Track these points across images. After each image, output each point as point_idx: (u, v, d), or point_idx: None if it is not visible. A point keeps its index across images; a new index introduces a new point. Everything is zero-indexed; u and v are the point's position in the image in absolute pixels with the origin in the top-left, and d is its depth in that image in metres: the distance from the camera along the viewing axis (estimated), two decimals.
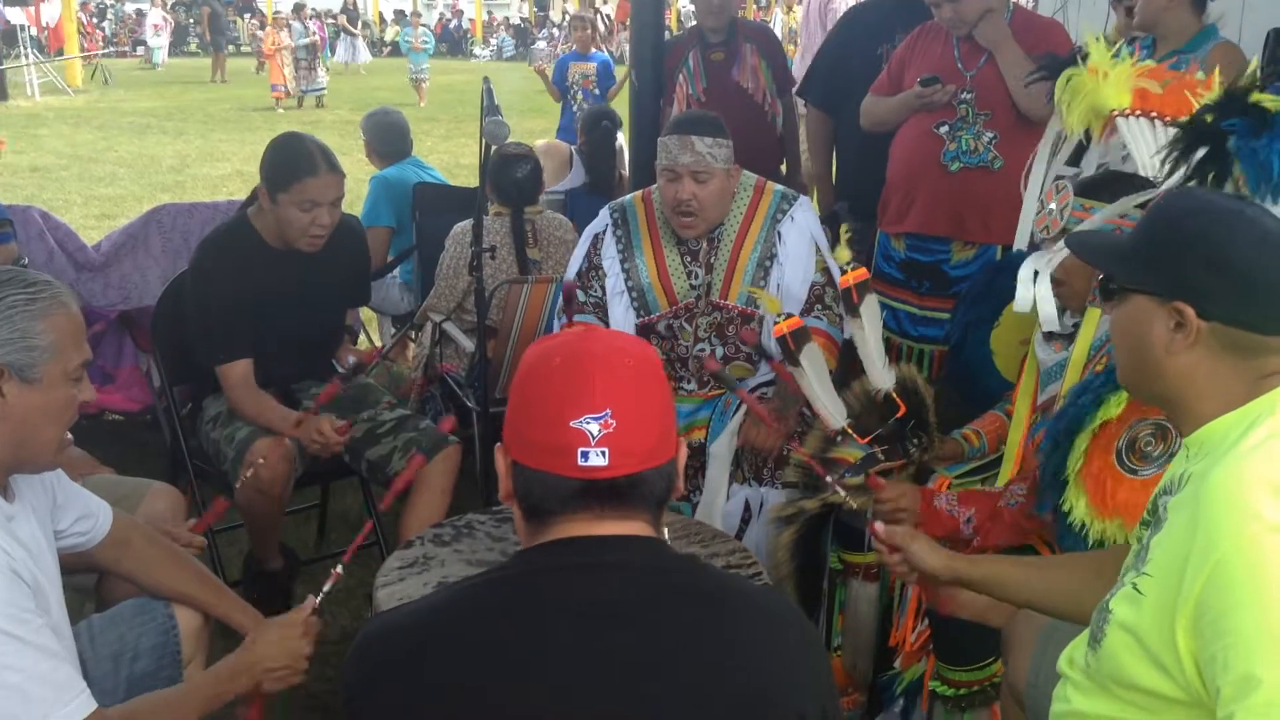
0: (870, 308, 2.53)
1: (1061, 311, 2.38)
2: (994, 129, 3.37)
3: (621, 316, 3.03)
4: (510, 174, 3.83)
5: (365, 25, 30.13)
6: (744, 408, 2.84)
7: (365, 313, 4.98)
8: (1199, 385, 1.37)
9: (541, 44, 17.16)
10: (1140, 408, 1.89)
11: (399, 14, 21.19)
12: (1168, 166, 2.00)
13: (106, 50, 25.55)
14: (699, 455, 2.84)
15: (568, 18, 29.04)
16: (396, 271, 4.77)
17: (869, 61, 3.98)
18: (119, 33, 30.26)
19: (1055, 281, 2.28)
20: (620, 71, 8.27)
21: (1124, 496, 1.89)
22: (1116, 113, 2.27)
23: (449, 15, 35.18)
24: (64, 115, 15.53)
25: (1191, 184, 1.94)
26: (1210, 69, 2.22)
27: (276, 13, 18.71)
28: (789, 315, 2.62)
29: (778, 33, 17.46)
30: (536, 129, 8.37)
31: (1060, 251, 2.18)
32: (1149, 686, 1.31)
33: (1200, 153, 1.94)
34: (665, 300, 3.01)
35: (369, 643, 1.28)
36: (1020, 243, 2.58)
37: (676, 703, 1.19)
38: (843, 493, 2.21)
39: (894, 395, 2.52)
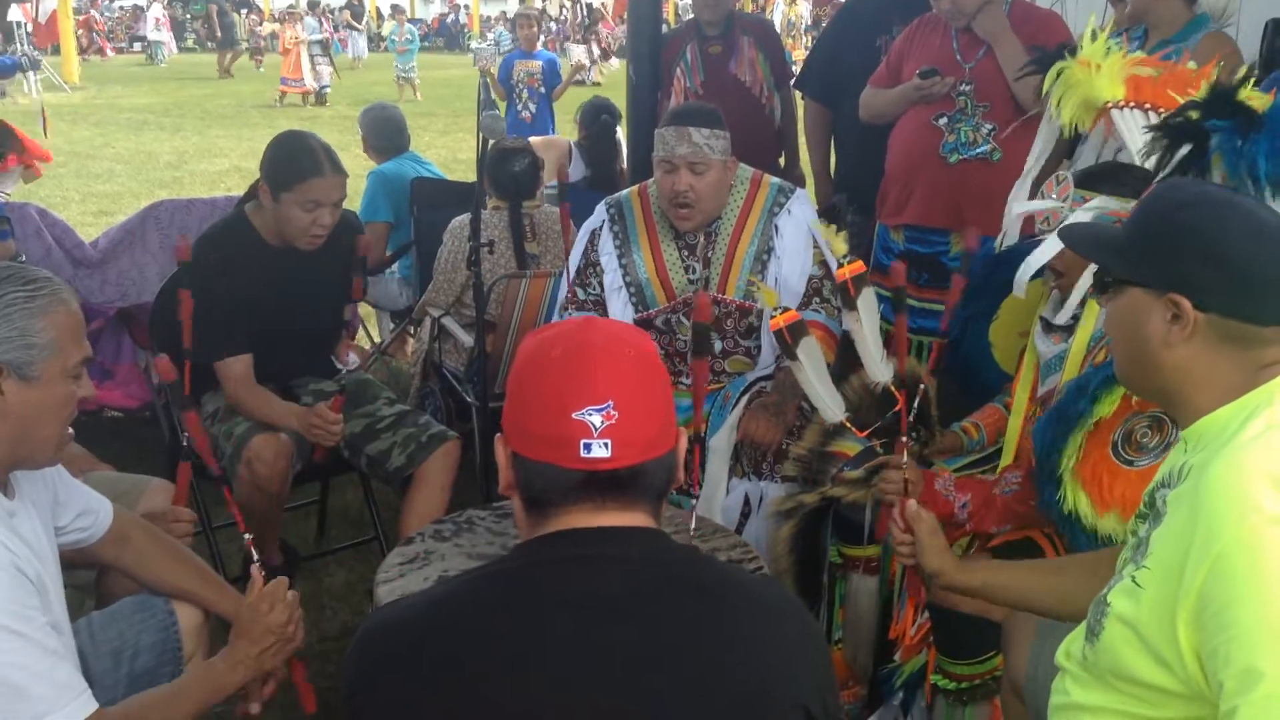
0: (867, 301, 2.52)
1: (1060, 303, 2.38)
2: (993, 121, 3.37)
3: (620, 312, 3.02)
4: (508, 168, 3.83)
5: (365, 21, 30.12)
6: (743, 402, 2.84)
7: (364, 308, 4.98)
8: (1197, 378, 1.37)
9: (484, 44, 17.04)
10: (1136, 402, 1.89)
11: (395, 8, 21.13)
12: (1151, 161, 2.00)
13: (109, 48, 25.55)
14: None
15: (564, 11, 29.00)
16: (395, 266, 4.77)
17: (866, 54, 3.97)
18: (115, 29, 30.21)
19: (1055, 273, 2.28)
20: (565, 69, 8.23)
21: (1121, 489, 1.89)
22: (1110, 105, 2.27)
23: (446, 9, 35.13)
24: (61, 112, 15.49)
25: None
26: (1201, 59, 2.22)
27: (290, 8, 18.53)
28: (785, 309, 2.62)
29: (778, 26, 17.44)
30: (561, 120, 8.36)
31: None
32: (1148, 679, 1.31)
33: (1184, 150, 1.95)
34: (663, 295, 3.01)
35: (369, 637, 1.28)
36: (1011, 237, 2.59)
37: (677, 696, 1.19)
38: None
39: (892, 388, 2.52)
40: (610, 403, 1.22)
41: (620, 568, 1.25)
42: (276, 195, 2.85)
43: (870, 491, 2.46)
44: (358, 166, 6.32)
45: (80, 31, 24.83)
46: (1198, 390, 1.37)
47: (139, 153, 12.20)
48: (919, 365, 2.63)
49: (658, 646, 1.21)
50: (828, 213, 3.94)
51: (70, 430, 1.78)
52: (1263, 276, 1.32)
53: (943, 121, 3.43)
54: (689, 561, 1.32)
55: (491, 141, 3.42)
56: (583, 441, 1.22)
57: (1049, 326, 2.38)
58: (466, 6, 34.20)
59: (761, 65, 4.37)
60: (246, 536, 2.15)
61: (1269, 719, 1.15)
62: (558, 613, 1.21)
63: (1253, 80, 2.00)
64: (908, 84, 3.48)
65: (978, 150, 3.39)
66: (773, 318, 2.55)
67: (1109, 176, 2.20)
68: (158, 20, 25.02)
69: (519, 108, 7.37)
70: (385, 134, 4.93)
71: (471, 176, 3.84)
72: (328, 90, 17.58)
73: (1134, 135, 2.21)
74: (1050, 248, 2.22)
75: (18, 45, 17.68)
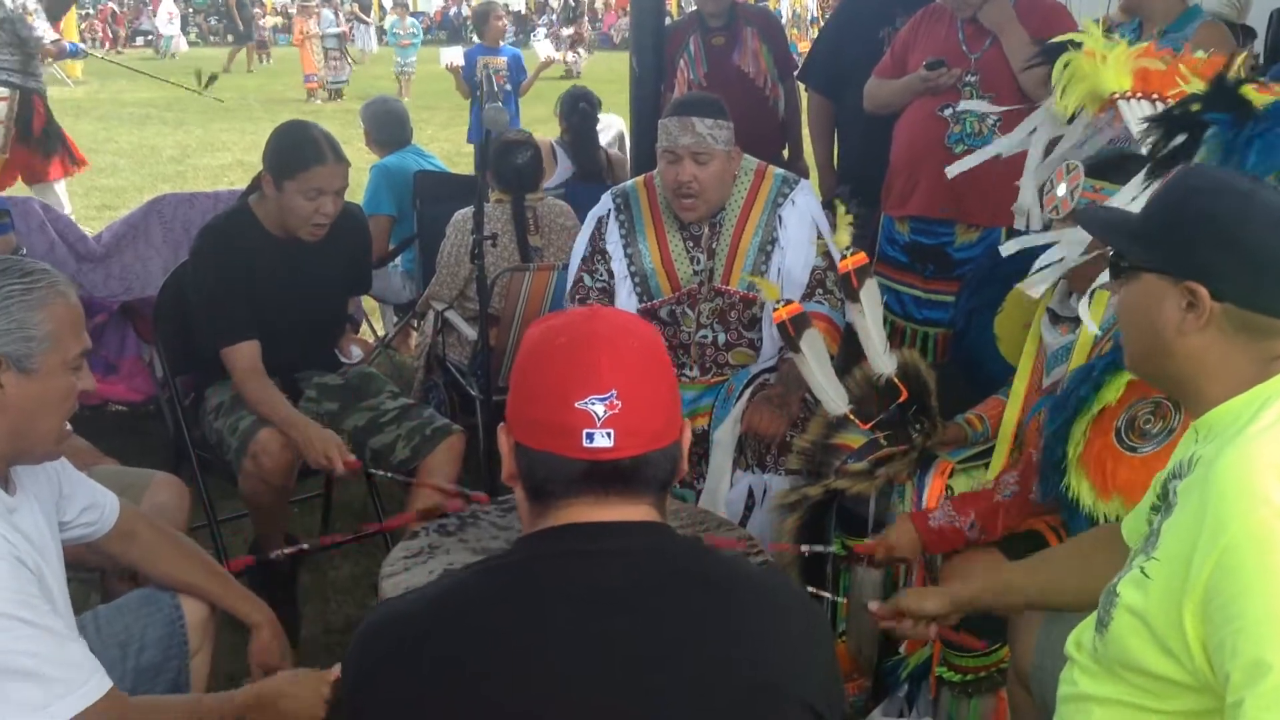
0: (870, 293, 2.52)
1: (1066, 295, 2.37)
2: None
3: (625, 302, 3.02)
4: (510, 160, 3.82)
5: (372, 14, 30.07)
6: (747, 394, 2.84)
7: (367, 302, 4.98)
8: (1209, 367, 1.36)
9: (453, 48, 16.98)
10: (1139, 388, 1.88)
11: (397, 3, 21.08)
12: (1146, 147, 2.00)
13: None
14: (702, 442, 2.84)
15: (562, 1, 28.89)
16: (398, 260, 4.76)
17: (869, 46, 3.97)
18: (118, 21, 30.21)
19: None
20: (531, 64, 7.91)
21: (1125, 476, 1.88)
22: (1117, 95, 2.26)
23: (448, 3, 35.05)
24: (64, 106, 15.46)
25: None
26: (1196, 49, 2.21)
27: (303, 1, 18.37)
28: (788, 301, 2.61)
29: (784, 18, 17.35)
30: (538, 115, 8.29)
31: (1078, 241, 2.16)
32: (1156, 671, 1.31)
33: (1178, 139, 1.94)
34: (668, 285, 3.01)
35: (372, 631, 1.27)
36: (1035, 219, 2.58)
37: (680, 691, 1.18)
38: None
39: (895, 380, 2.52)
40: (614, 392, 1.21)
41: (623, 561, 1.24)
42: (279, 184, 2.84)
43: (874, 483, 2.45)
44: (360, 160, 6.31)
45: (98, 24, 24.84)
46: (1209, 380, 1.36)
47: (142, 147, 12.20)
48: (919, 357, 2.63)
49: (661, 641, 1.20)
50: (830, 205, 3.94)
51: (68, 425, 1.77)
52: None
53: (948, 113, 3.42)
54: (693, 555, 1.31)
55: (494, 134, 3.41)
56: (585, 431, 1.21)
57: (1056, 318, 2.37)
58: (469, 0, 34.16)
59: (765, 57, 4.36)
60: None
61: (1276, 711, 1.15)
62: (560, 607, 1.21)
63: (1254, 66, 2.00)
64: (914, 75, 3.47)
65: (983, 141, 3.38)
66: (776, 310, 2.54)
67: (1119, 165, 2.19)
68: (170, 15, 25.00)
69: (484, 105, 7.07)
70: (387, 127, 4.93)
71: (474, 169, 3.83)
72: (345, 84, 17.44)
73: (1140, 126, 2.20)
74: (1061, 252, 2.21)
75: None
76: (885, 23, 4.06)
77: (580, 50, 21.11)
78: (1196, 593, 1.23)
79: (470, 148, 7.19)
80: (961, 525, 2.22)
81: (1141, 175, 2.03)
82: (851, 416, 2.49)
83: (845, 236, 2.49)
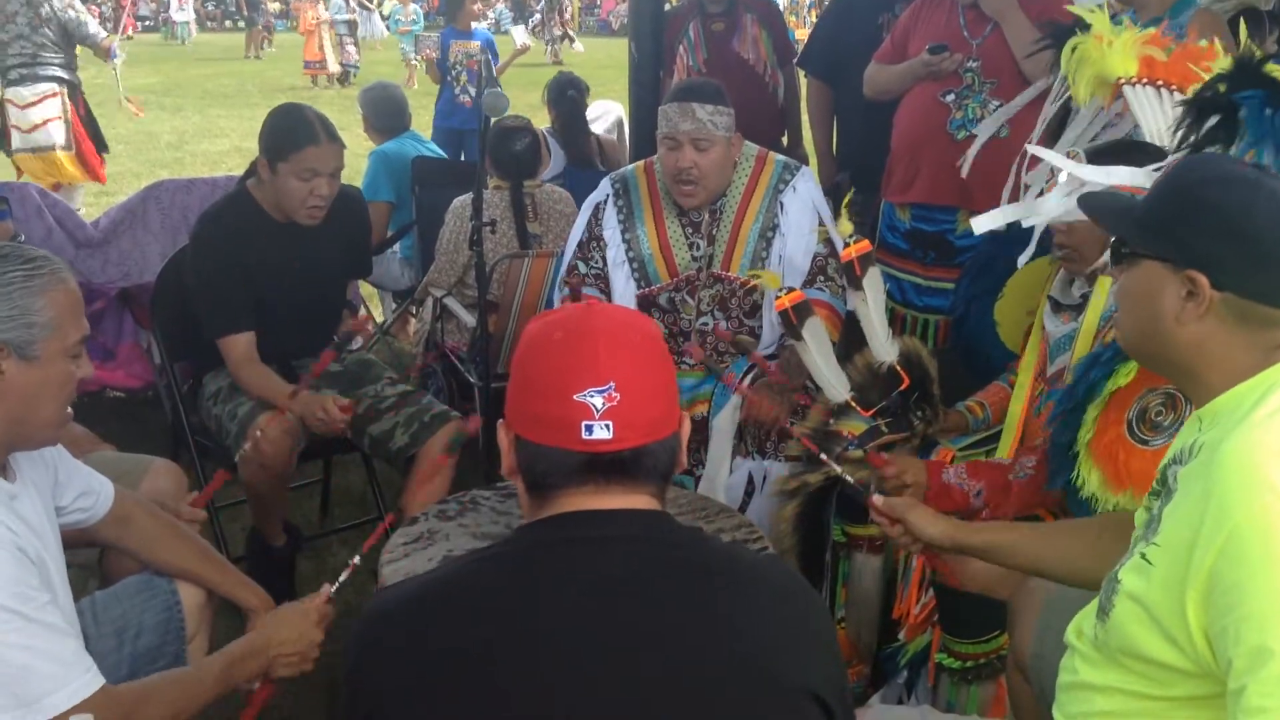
0: (873, 280, 2.51)
1: (1068, 283, 2.36)
2: (1000, 97, 3.34)
3: (622, 288, 3.01)
4: (509, 147, 3.81)
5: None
6: (747, 380, 2.83)
7: (366, 288, 4.97)
8: (1210, 356, 1.36)
9: (410, 22, 16.75)
10: (1150, 377, 1.87)
11: None
12: (1179, 134, 1.98)
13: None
14: (701, 429, 2.83)
15: None
16: (397, 247, 4.75)
17: (869, 32, 3.96)
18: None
19: (1062, 248, 2.27)
20: (505, 49, 7.48)
21: (1137, 467, 1.87)
22: (1124, 81, 2.25)
23: None
24: None
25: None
26: (1199, 37, 2.20)
27: None
28: (790, 289, 2.61)
29: (783, 4, 17.27)
30: (536, 101, 8.26)
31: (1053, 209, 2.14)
32: (1158, 658, 1.31)
33: (1211, 121, 1.92)
34: (666, 271, 3.00)
35: (372, 618, 1.27)
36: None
37: (681, 678, 1.18)
38: (839, 469, 2.19)
39: (897, 368, 2.51)
40: (612, 384, 1.22)
41: (623, 549, 1.24)
42: (273, 166, 2.84)
43: (873, 473, 2.45)
44: (358, 146, 6.30)
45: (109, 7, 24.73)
46: (1211, 368, 1.36)
47: (139, 133, 12.14)
48: (921, 345, 2.62)
49: (661, 628, 1.20)
50: (831, 191, 3.93)
51: (69, 411, 1.77)
52: None
53: (950, 98, 3.41)
54: (692, 543, 1.31)
55: (493, 120, 3.39)
56: (584, 423, 1.21)
57: (1058, 305, 2.36)
58: None
59: (764, 43, 4.34)
60: (350, 562, 1.99)
61: (1278, 697, 1.15)
62: (561, 594, 1.21)
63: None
64: (915, 60, 3.46)
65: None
66: (778, 298, 2.54)
67: (1122, 154, 2.18)
68: (180, 1, 24.94)
69: (456, 91, 6.68)
70: (386, 114, 4.91)
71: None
72: (355, 71, 17.33)
73: (1146, 112, 2.19)
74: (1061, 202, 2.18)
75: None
76: (884, 9, 4.05)
77: (561, 37, 21.06)
78: (1199, 579, 1.23)
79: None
80: (969, 490, 2.22)
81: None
82: (852, 403, 2.49)
83: (848, 224, 2.48)
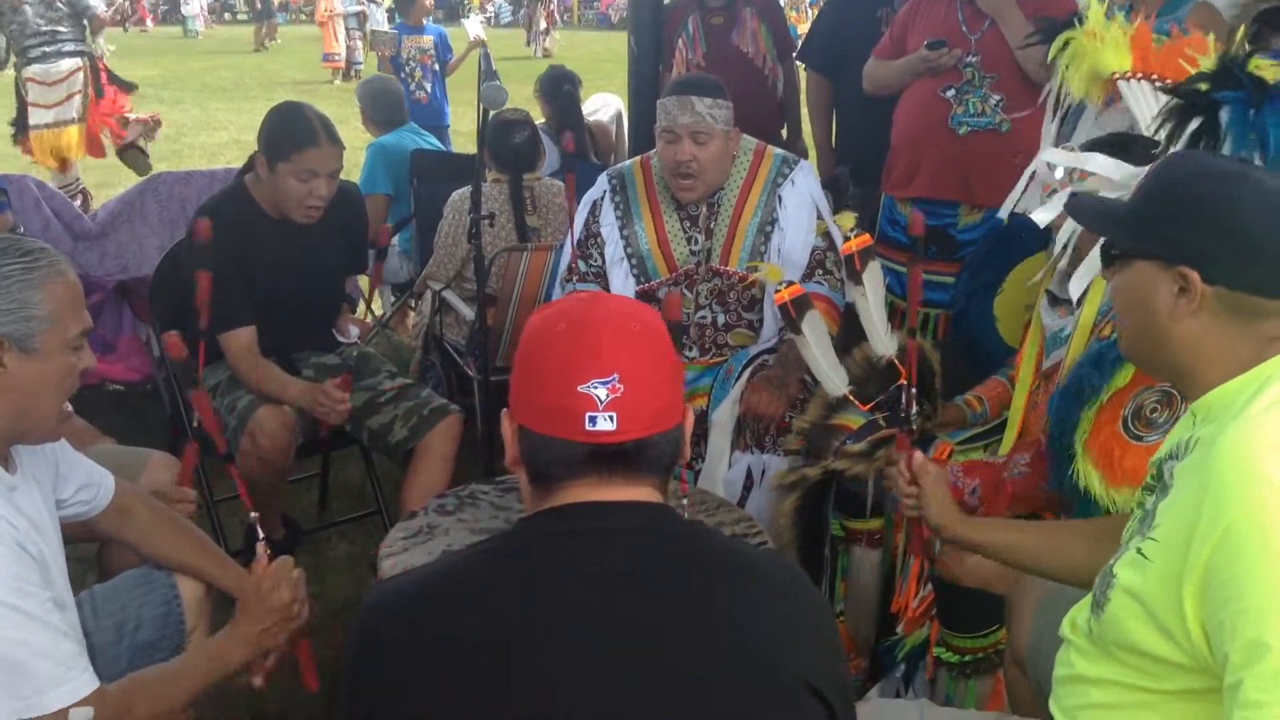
0: (873, 274, 2.51)
1: (1065, 277, 2.36)
2: (1000, 92, 3.35)
3: (621, 284, 3.01)
4: (508, 140, 3.80)
5: None
6: (746, 374, 2.83)
7: (364, 281, 4.96)
8: (1205, 351, 1.36)
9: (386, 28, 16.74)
10: (1146, 376, 1.88)
11: None
12: (1162, 136, 1.98)
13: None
14: (701, 423, 2.83)
15: None
16: (395, 240, 4.75)
17: (868, 26, 3.95)
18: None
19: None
20: (459, 44, 7.28)
21: (1131, 464, 1.88)
22: (1117, 75, 2.25)
23: None
24: None
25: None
26: (1194, 29, 2.20)
27: None
28: (790, 283, 2.61)
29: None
30: (529, 94, 8.23)
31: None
32: (1153, 651, 1.31)
33: (1194, 124, 1.92)
34: (665, 266, 3.00)
35: (372, 611, 1.27)
36: (1004, 211, 2.58)
37: (681, 671, 1.18)
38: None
39: (896, 362, 2.51)
40: (615, 376, 1.22)
41: (624, 541, 1.24)
42: (273, 166, 2.83)
43: (873, 465, 2.45)
44: (356, 139, 6.28)
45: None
46: (1207, 364, 1.36)
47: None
48: (922, 339, 2.62)
49: (661, 621, 1.20)
50: (830, 185, 3.93)
51: (69, 405, 1.77)
52: (1272, 249, 1.30)
53: (950, 93, 3.41)
54: (693, 536, 1.31)
55: (492, 113, 3.39)
56: (587, 415, 1.21)
57: (1054, 300, 2.36)
58: None
59: (764, 37, 4.34)
60: (252, 515, 2.14)
61: (1274, 692, 1.15)
62: (562, 586, 1.21)
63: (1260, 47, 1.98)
64: (914, 55, 3.46)
65: (986, 121, 3.37)
66: (777, 291, 2.54)
67: (1115, 148, 2.18)
68: None
69: (412, 88, 6.57)
70: (384, 107, 4.90)
71: (471, 148, 3.80)
72: (360, 65, 17.26)
73: (1142, 106, 2.19)
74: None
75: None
76: (883, 3, 4.05)
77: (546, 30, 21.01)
78: (1196, 573, 1.23)
79: (467, 127, 7.04)
80: (964, 488, 2.22)
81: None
82: (851, 397, 2.49)
83: (849, 218, 2.49)
